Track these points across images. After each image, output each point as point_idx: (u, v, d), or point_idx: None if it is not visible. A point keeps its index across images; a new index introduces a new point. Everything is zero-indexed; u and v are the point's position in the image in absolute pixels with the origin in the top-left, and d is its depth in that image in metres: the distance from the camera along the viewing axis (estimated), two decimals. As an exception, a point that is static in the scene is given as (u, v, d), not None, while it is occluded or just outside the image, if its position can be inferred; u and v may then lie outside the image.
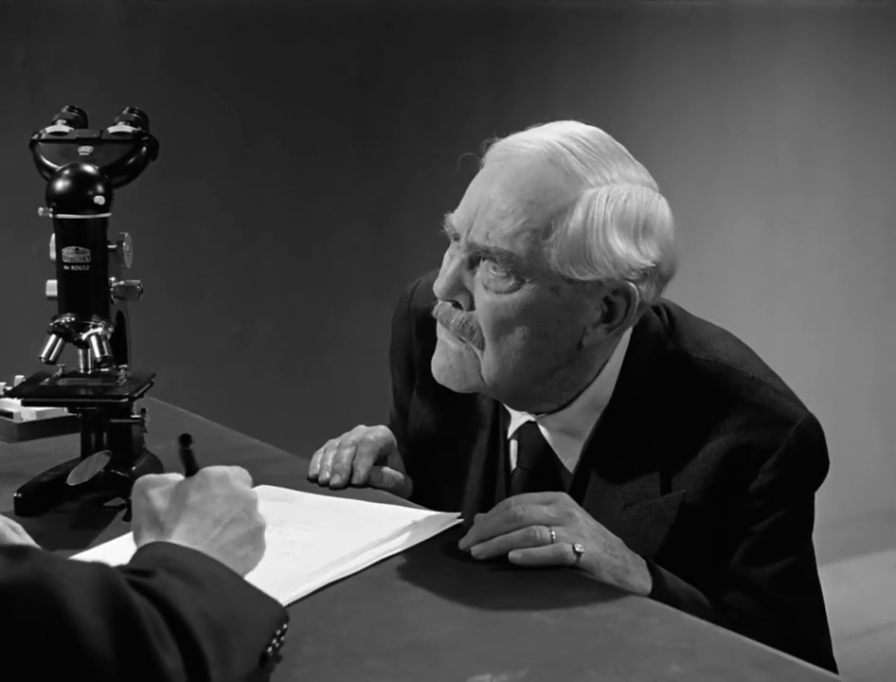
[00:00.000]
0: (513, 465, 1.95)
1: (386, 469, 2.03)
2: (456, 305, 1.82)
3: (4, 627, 1.08)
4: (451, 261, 1.82)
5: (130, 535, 1.74)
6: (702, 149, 4.77)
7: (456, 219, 1.82)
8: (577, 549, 1.66)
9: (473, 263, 1.80)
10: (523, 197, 1.75)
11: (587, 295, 1.77)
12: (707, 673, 1.41)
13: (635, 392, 1.86)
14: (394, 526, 1.80)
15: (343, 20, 4.12)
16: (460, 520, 1.83)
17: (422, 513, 1.86)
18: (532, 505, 1.70)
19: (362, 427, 2.05)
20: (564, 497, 1.73)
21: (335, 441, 2.05)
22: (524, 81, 4.38)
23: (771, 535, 1.81)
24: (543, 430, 1.92)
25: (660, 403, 1.84)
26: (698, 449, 1.80)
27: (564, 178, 1.75)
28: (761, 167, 4.93)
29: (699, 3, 4.73)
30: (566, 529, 1.68)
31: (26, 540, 1.63)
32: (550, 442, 1.91)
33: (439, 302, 1.84)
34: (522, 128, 1.83)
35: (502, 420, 1.97)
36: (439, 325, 1.86)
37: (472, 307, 1.81)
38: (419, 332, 2.06)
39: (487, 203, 1.77)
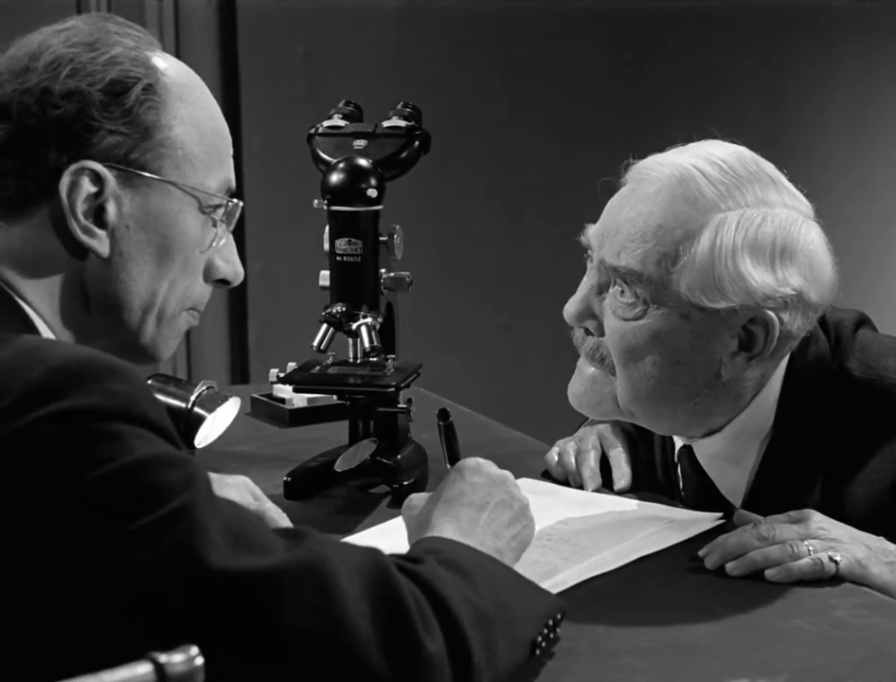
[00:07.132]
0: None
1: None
2: (588, 331, 1.81)
3: (279, 605, 1.12)
4: (582, 285, 1.81)
5: (394, 521, 1.79)
6: None
7: (592, 233, 1.80)
8: (835, 558, 1.61)
9: (602, 289, 1.78)
10: (651, 222, 1.72)
11: (721, 322, 1.72)
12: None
13: (798, 420, 1.79)
14: (653, 525, 1.79)
15: (615, 16, 4.11)
16: (723, 521, 1.80)
17: (682, 513, 1.85)
18: (782, 524, 1.66)
19: (595, 429, 2.03)
20: (814, 514, 1.67)
21: (569, 447, 2.02)
22: (800, 70, 4.30)
23: None
24: (698, 455, 1.87)
25: (825, 429, 1.78)
26: (865, 478, 1.74)
27: (693, 203, 1.71)
28: None
29: None
30: (822, 542, 1.63)
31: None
32: (707, 469, 1.86)
33: (573, 327, 1.83)
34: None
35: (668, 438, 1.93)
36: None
37: (602, 333, 1.79)
38: None
39: (616, 227, 1.76)
